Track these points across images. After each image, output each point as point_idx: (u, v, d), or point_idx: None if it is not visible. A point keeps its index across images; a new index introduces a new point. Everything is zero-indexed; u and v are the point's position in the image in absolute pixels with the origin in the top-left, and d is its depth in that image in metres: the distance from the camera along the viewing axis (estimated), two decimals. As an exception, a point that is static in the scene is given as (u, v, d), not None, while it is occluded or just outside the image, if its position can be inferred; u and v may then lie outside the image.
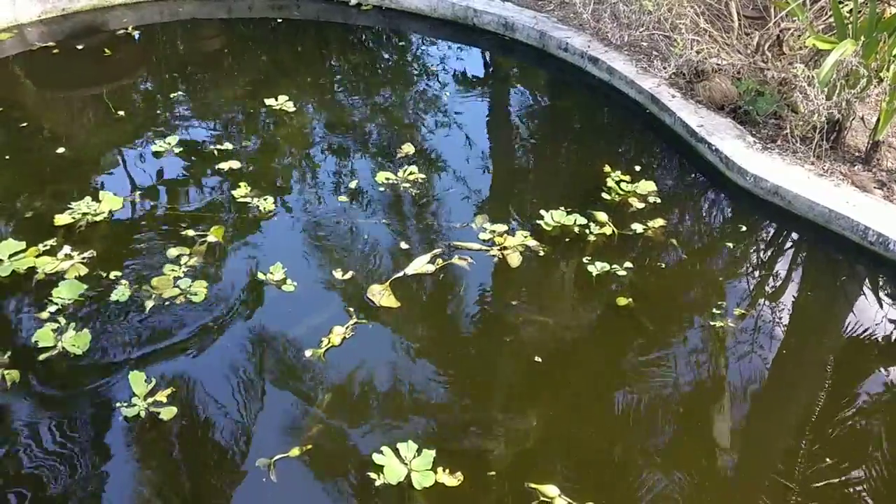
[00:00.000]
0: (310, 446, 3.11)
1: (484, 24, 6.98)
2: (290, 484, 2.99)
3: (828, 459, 3.20)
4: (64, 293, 3.80)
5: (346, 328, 3.66)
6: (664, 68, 5.83)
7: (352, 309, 3.79)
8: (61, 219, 4.31)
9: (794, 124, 5.01)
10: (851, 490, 3.09)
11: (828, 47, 4.66)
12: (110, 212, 4.42)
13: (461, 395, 3.43)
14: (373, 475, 3.00)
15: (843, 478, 3.13)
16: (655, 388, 3.53)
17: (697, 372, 3.62)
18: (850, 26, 4.79)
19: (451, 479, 3.00)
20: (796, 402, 3.55)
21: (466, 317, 3.90)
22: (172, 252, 4.13)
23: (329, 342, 3.57)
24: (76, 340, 3.52)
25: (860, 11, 4.79)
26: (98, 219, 4.35)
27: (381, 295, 3.89)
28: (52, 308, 3.73)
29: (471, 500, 2.99)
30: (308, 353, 3.54)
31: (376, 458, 3.04)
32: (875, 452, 3.26)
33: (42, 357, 3.47)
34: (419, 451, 3.08)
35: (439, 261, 4.16)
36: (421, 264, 4.12)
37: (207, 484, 3.01)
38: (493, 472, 3.07)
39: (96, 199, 4.47)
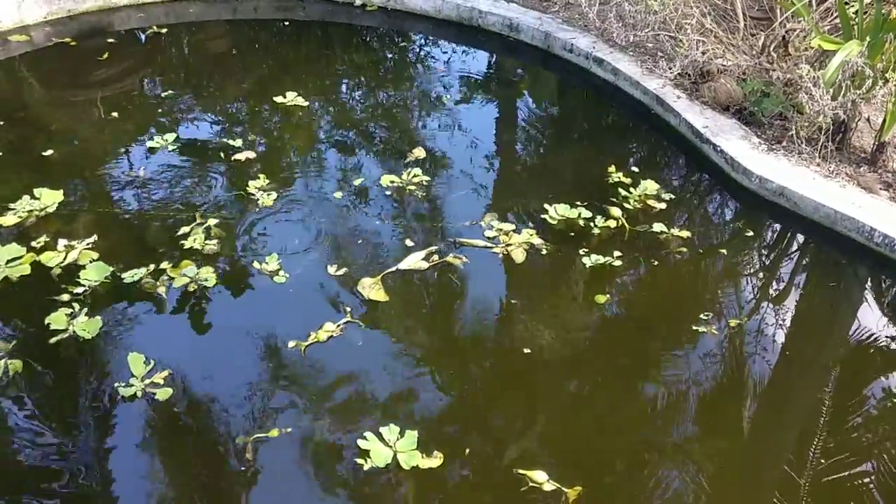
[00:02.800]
0: (289, 429, 3.16)
1: (488, 25, 6.98)
2: (275, 467, 3.05)
3: (823, 461, 3.19)
4: (91, 275, 3.87)
5: (337, 326, 3.66)
6: (669, 69, 5.82)
7: (349, 308, 3.79)
8: (5, 220, 4.28)
9: (799, 125, 5.00)
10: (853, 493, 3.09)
11: (833, 48, 4.65)
12: (57, 204, 4.40)
13: (445, 390, 3.45)
14: (360, 460, 3.03)
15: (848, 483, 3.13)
16: (647, 381, 3.56)
17: (693, 369, 3.62)
18: (855, 27, 4.78)
19: (433, 462, 3.05)
20: (800, 404, 3.54)
21: (457, 312, 3.92)
22: (175, 241, 4.20)
23: (316, 337, 3.60)
24: (87, 325, 3.59)
25: (866, 12, 4.78)
26: (48, 212, 4.34)
27: (371, 288, 3.92)
28: (78, 289, 3.80)
29: (460, 487, 3.02)
30: (291, 343, 3.57)
31: (361, 443, 3.08)
32: (881, 457, 3.25)
33: (53, 340, 3.53)
34: (402, 433, 3.13)
35: (434, 257, 4.17)
36: (415, 260, 4.13)
37: (197, 462, 3.09)
38: (481, 460, 3.11)
39: (34, 196, 4.43)
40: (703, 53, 5.69)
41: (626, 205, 4.67)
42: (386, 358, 3.58)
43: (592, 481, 3.04)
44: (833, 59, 4.56)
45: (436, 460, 3.05)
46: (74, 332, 3.56)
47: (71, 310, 3.67)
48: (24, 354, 3.47)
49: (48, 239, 4.13)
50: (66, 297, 3.76)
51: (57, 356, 3.49)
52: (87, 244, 4.11)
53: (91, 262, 3.98)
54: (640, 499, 3.04)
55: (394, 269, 4.07)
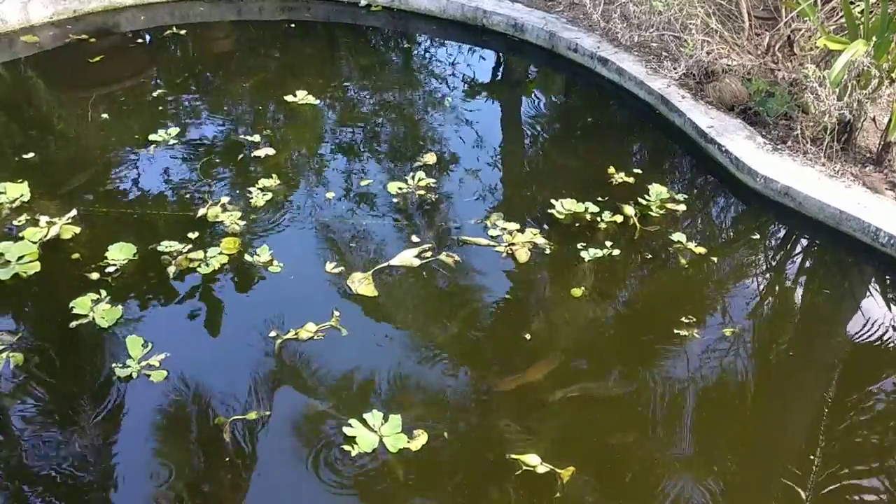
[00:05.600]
0: (268, 412, 3.25)
1: (493, 24, 6.97)
2: (267, 456, 3.12)
3: (827, 464, 3.19)
4: (117, 255, 4.03)
5: (319, 329, 3.67)
6: (674, 69, 5.81)
7: (337, 308, 3.80)
8: None
9: (804, 125, 4.99)
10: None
11: (839, 48, 4.64)
12: (24, 196, 4.48)
13: (429, 378, 3.51)
14: (347, 447, 3.09)
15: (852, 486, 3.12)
16: (646, 376, 3.57)
17: (693, 366, 3.62)
18: (861, 27, 4.76)
19: (419, 442, 3.13)
20: (803, 405, 3.53)
21: (443, 306, 3.95)
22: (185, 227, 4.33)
23: (296, 334, 3.63)
24: (107, 313, 3.69)
25: (871, 12, 4.77)
26: (20, 202, 4.43)
27: (360, 283, 3.96)
28: (109, 269, 3.97)
29: (454, 474, 3.07)
30: (272, 333, 3.64)
31: (346, 430, 3.15)
32: (887, 461, 3.24)
33: (73, 324, 3.64)
34: (386, 418, 3.19)
35: (427, 255, 4.20)
36: (407, 257, 4.16)
37: (180, 441, 3.19)
38: (473, 447, 3.18)
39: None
40: (708, 53, 5.68)
41: (650, 213, 4.63)
42: (374, 349, 3.63)
43: (584, 462, 3.10)
44: (839, 58, 4.55)
45: (420, 440, 3.12)
46: (94, 318, 3.66)
47: (97, 295, 3.77)
48: (31, 339, 3.58)
49: (28, 217, 4.31)
50: (95, 275, 3.92)
51: (66, 340, 3.58)
52: (68, 219, 4.26)
53: (75, 235, 4.18)
54: (631, 478, 3.08)
55: (385, 264, 4.11)
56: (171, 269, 3.99)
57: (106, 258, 4.02)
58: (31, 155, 4.94)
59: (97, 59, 6.30)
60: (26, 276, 3.93)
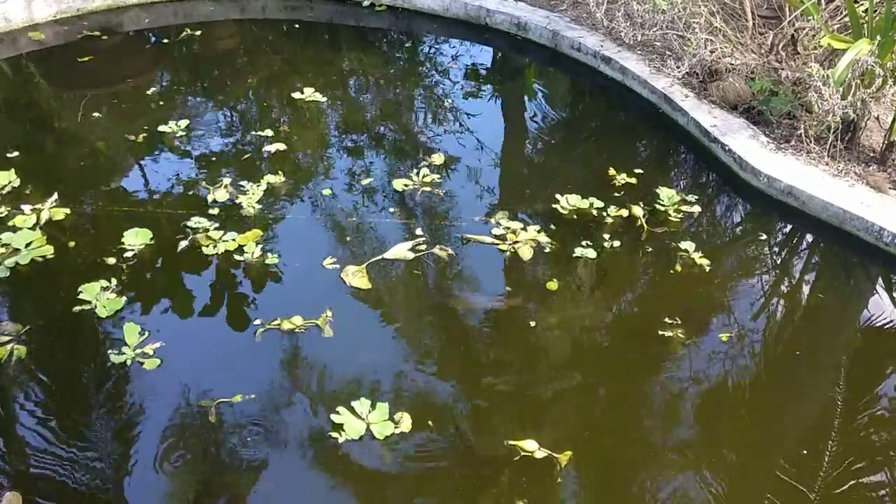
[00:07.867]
0: (252, 396, 3.29)
1: (496, 23, 6.98)
2: (258, 446, 3.15)
3: (832, 464, 3.18)
4: (134, 240, 4.12)
5: (303, 324, 3.69)
6: (677, 68, 5.81)
7: (329, 307, 3.80)
8: None
9: (808, 124, 4.98)
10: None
11: (843, 47, 4.63)
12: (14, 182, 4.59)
13: (419, 369, 3.54)
14: (334, 434, 3.14)
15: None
16: (650, 377, 3.58)
17: (695, 364, 3.61)
18: (865, 26, 4.76)
19: (404, 429, 3.18)
20: (807, 406, 3.53)
21: (433, 300, 3.99)
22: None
23: (278, 325, 3.67)
24: (109, 303, 3.74)
25: (875, 11, 4.76)
26: (11, 188, 4.55)
27: (354, 276, 3.99)
28: (127, 253, 4.07)
29: (451, 462, 3.10)
30: (257, 321, 3.69)
31: (334, 417, 3.20)
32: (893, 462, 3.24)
33: (76, 309, 3.71)
34: (373, 406, 3.24)
35: (422, 248, 4.22)
36: (402, 250, 4.18)
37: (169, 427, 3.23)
38: (468, 435, 3.21)
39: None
40: (712, 52, 5.67)
41: (670, 219, 4.61)
42: (366, 340, 3.67)
43: (581, 447, 3.14)
44: (843, 57, 4.54)
45: (404, 427, 3.17)
46: (95, 307, 3.71)
47: (108, 283, 3.84)
48: (37, 326, 3.65)
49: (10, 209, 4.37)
50: (112, 260, 4.01)
51: (69, 327, 3.65)
52: (52, 202, 4.35)
53: (66, 216, 4.30)
54: (627, 462, 3.12)
55: (379, 257, 4.14)
56: (183, 244, 4.09)
57: (122, 243, 4.10)
58: (14, 154, 4.96)
59: (87, 58, 6.31)
60: (42, 261, 4.01)
